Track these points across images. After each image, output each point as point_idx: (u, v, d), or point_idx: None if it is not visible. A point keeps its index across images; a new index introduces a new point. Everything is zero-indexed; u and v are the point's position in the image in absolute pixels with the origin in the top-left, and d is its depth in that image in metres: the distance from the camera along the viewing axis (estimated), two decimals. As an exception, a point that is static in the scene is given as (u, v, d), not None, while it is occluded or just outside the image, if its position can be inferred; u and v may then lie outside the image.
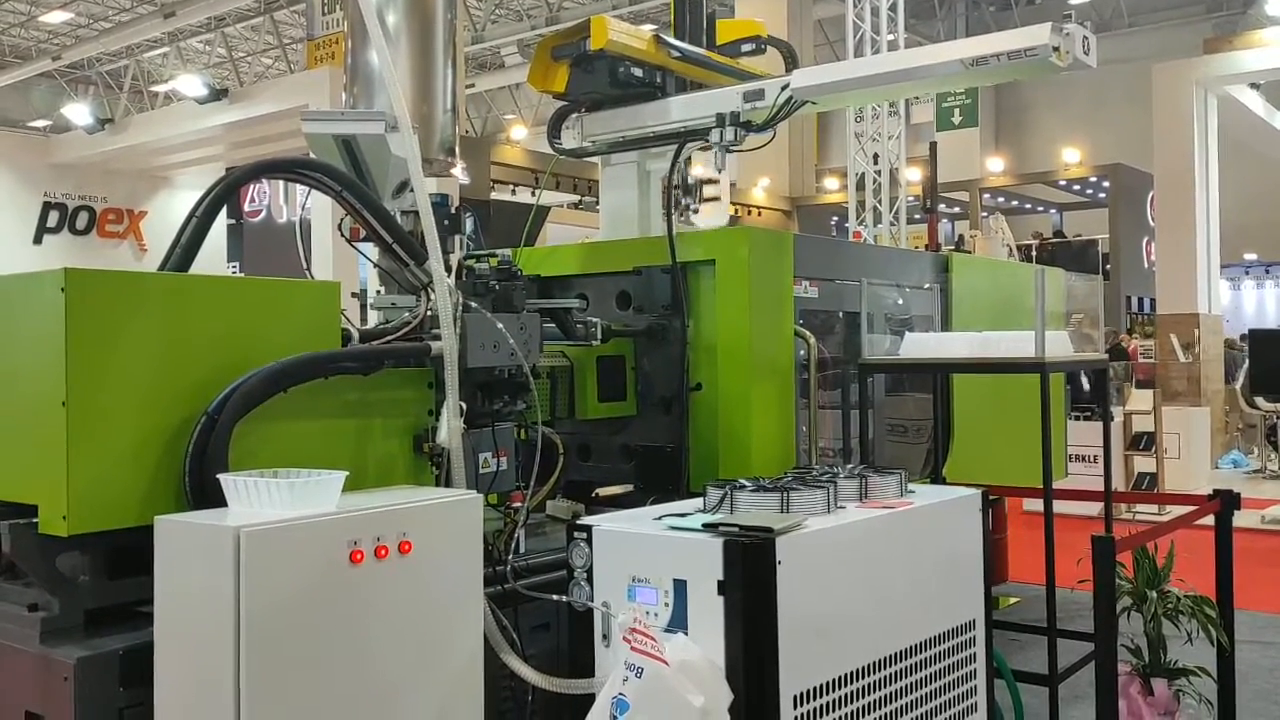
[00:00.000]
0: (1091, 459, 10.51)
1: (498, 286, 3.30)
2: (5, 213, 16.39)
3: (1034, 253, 24.21)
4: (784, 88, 4.01)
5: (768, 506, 3.13)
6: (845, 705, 2.99)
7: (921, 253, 7.07)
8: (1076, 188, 25.68)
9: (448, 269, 3.35)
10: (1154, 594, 4.01)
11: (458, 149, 3.85)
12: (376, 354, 3.06)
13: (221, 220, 14.31)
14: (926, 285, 5.08)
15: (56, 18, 24.27)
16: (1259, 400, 12.56)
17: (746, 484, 3.28)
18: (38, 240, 16.31)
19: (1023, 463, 6.14)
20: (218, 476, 2.52)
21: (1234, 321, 23.93)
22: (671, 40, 4.75)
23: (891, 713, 3.18)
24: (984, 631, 3.67)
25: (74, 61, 24.54)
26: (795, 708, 2.81)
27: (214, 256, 13.06)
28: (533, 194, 20.24)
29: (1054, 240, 24.60)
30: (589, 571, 3.02)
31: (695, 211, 4.85)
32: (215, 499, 2.53)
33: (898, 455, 5.35)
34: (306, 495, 2.44)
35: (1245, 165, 20.38)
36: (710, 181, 5.06)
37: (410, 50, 3.61)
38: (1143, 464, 10.13)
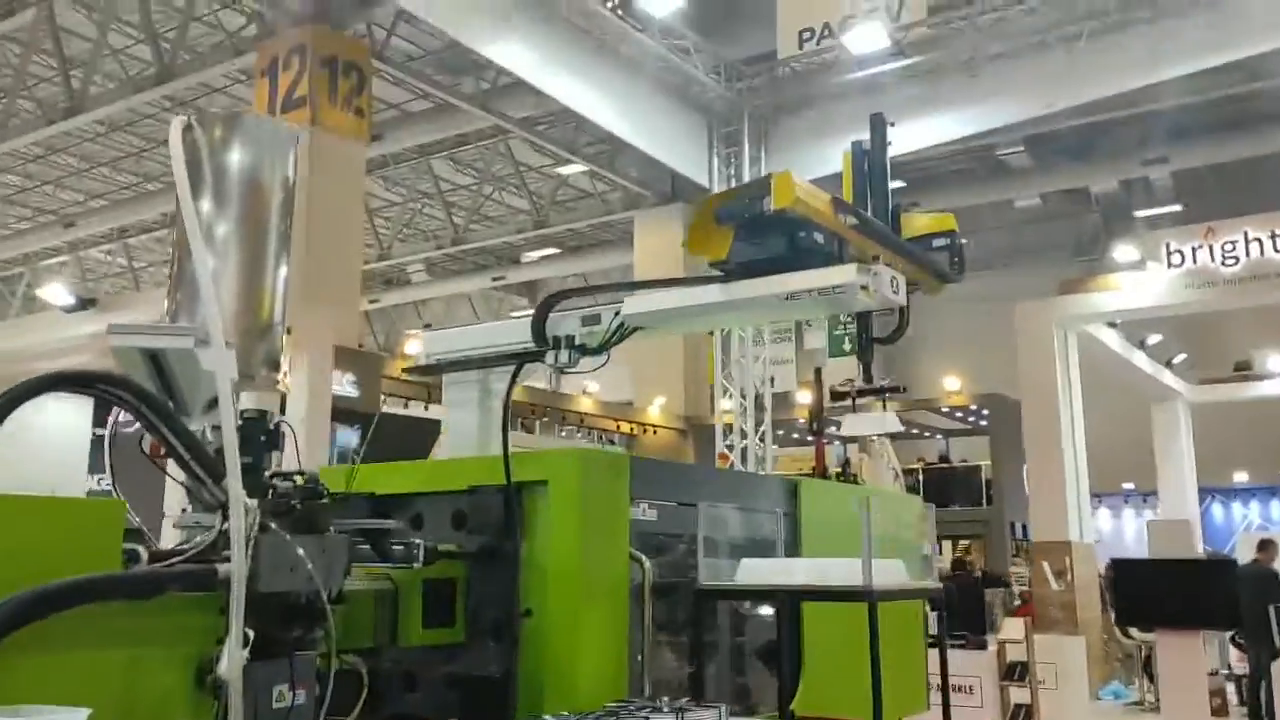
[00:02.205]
0: (968, 689, 10.43)
1: (299, 506, 3.19)
2: None
3: (920, 477, 24.81)
4: (616, 314, 4.10)
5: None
6: None
7: (768, 477, 7.15)
8: (959, 415, 26.64)
9: (260, 487, 3.24)
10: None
11: (286, 362, 3.81)
12: (155, 577, 2.89)
13: (83, 431, 13.91)
14: (774, 510, 5.08)
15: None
16: (1133, 631, 12.71)
17: (556, 722, 3.13)
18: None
19: (885, 695, 6.04)
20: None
21: (1116, 550, 24.52)
22: (854, 208, 4.20)
23: None
24: None
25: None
26: None
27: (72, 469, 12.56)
28: (425, 408, 20.23)
29: (938, 465, 25.29)
30: (370, 820, 2.80)
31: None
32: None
33: (759, 685, 5.21)
34: (36, 735, 2.23)
35: (1113, 399, 21.47)
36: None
37: (240, 262, 3.58)
38: (1018, 694, 10.05)
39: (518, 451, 4.38)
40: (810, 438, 21.69)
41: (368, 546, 3.81)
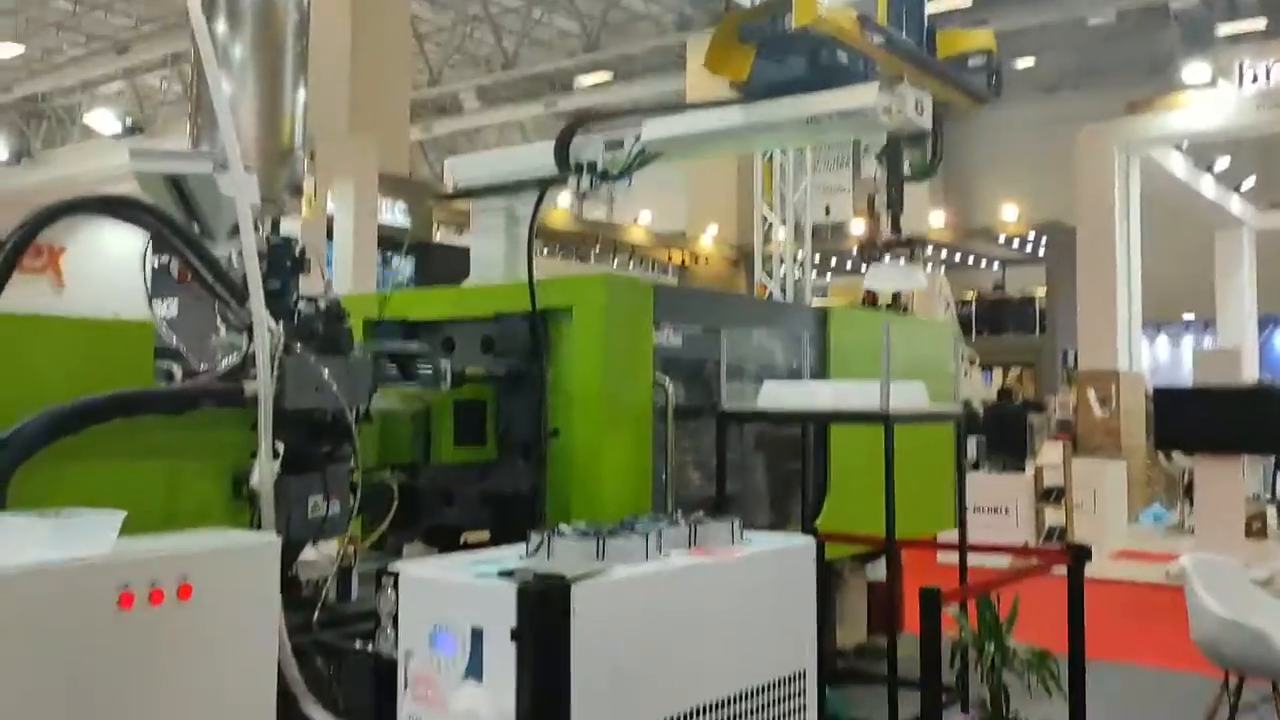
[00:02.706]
0: (1004, 510, 10.63)
1: (323, 329, 3.30)
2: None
3: (974, 307, 24.62)
4: (637, 138, 4.07)
5: (583, 553, 3.13)
6: (650, 756, 2.98)
7: (797, 305, 7.16)
8: (1016, 244, 26.19)
9: (286, 311, 3.34)
10: (991, 646, 4.04)
11: (310, 186, 3.86)
12: (187, 394, 3.04)
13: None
14: (800, 337, 5.13)
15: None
16: (1176, 456, 12.75)
17: (566, 531, 3.28)
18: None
19: (910, 514, 6.21)
20: (-17, 516, 2.48)
21: (1174, 379, 24.27)
22: (880, 25, 3.93)
23: (706, 764, 3.17)
24: (815, 682, 3.68)
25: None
26: (589, 757, 2.80)
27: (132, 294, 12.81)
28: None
29: (992, 296, 25.06)
30: (395, 619, 3.00)
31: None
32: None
33: (783, 505, 5.39)
34: (73, 535, 2.40)
35: (1177, 226, 20.89)
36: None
37: (257, 84, 3.57)
38: (1054, 517, 10.24)
39: (544, 279, 4.44)
40: (864, 266, 21.55)
41: (396, 369, 3.92)
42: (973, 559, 5.12)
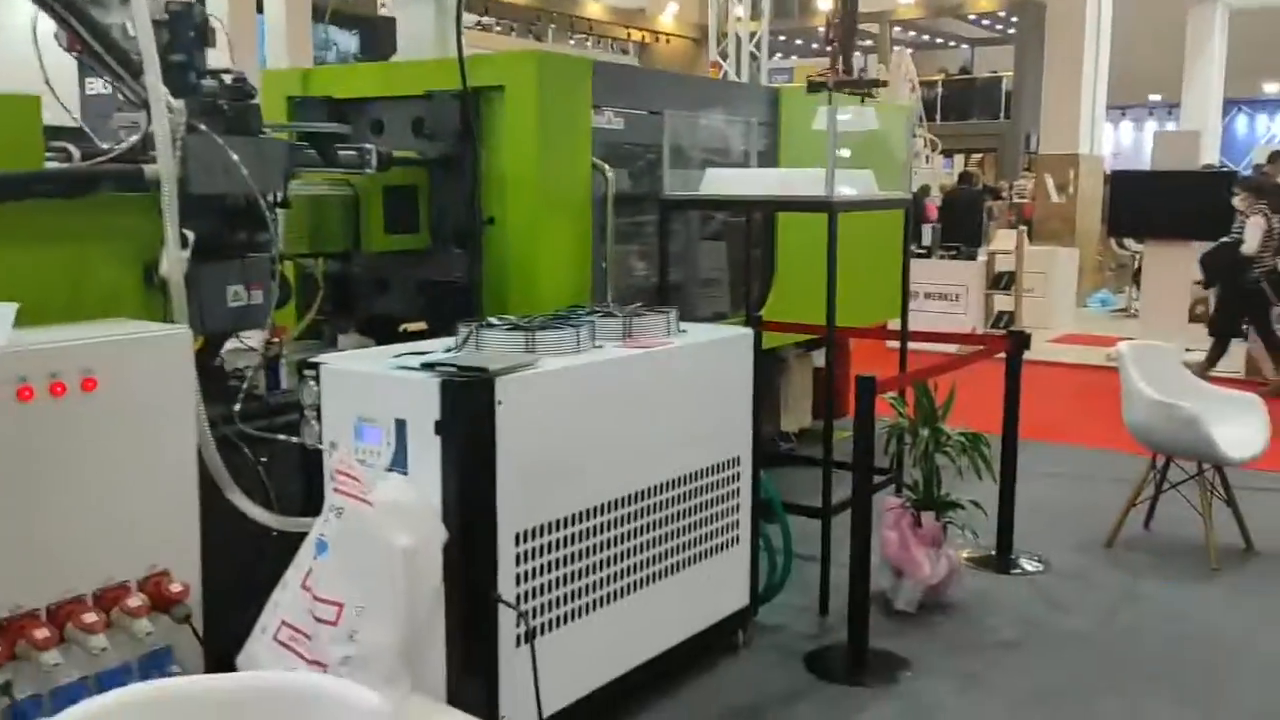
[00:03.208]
0: (954, 297, 10.71)
1: (228, 107, 3.07)
2: None
3: (940, 89, 24.06)
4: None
5: (512, 345, 3.06)
6: (581, 540, 3.01)
7: (747, 86, 6.87)
8: (987, 23, 25.37)
9: (188, 87, 3.10)
10: (925, 431, 4.09)
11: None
12: (81, 176, 2.85)
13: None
14: (750, 121, 4.92)
15: None
16: (1128, 241, 12.81)
17: (495, 322, 3.20)
18: None
19: (858, 302, 6.18)
20: None
21: (1135, 163, 24.15)
22: None
23: (639, 545, 3.22)
24: (750, 467, 3.72)
25: None
26: (517, 545, 2.81)
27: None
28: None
29: (958, 77, 24.43)
30: (318, 410, 2.94)
31: None
32: None
33: (728, 295, 5.32)
34: (-40, 329, 2.28)
35: (1152, 3, 20.26)
36: None
37: None
38: (1004, 303, 10.33)
39: (475, 55, 4.18)
40: (829, 47, 20.83)
41: (315, 153, 3.71)
42: (920, 347, 5.13)
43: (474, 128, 4.05)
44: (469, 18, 21.97)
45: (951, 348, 6.97)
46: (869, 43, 25.84)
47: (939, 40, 28.17)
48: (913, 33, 26.54)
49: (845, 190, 4.04)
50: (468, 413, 2.69)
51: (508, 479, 2.75)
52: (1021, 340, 4.57)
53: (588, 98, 4.17)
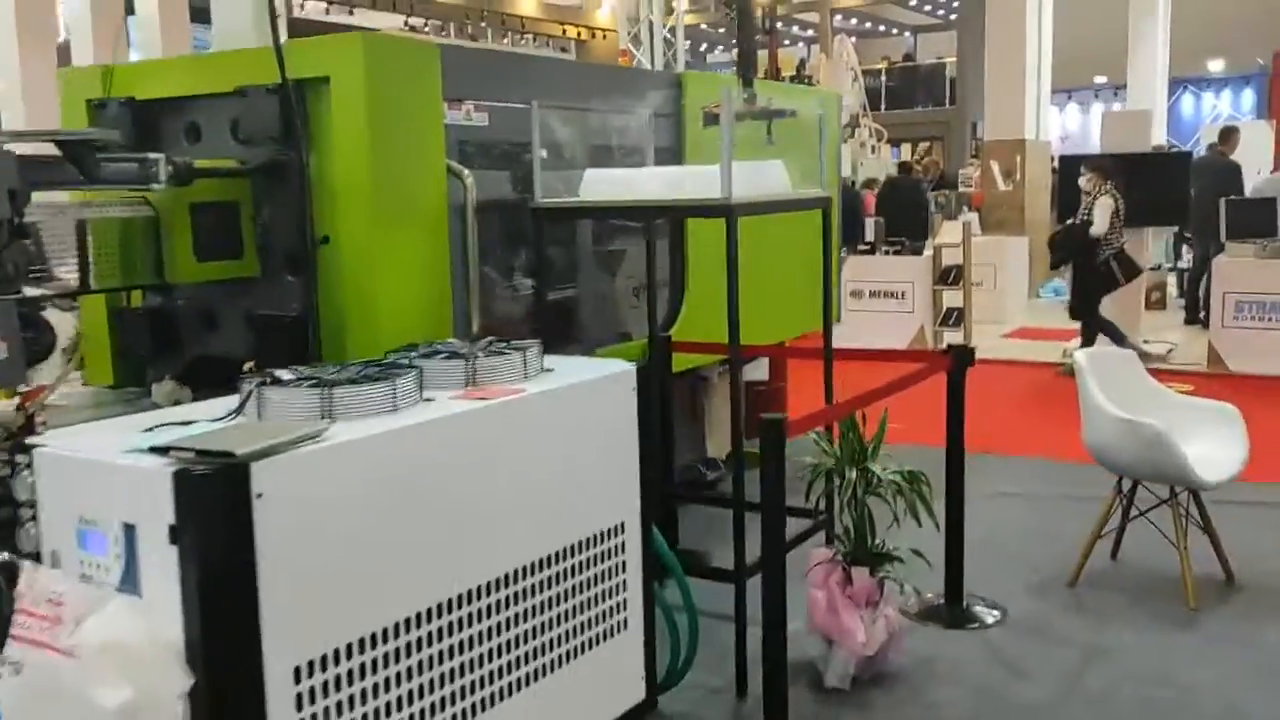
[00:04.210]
0: (900, 295, 10.11)
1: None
2: None
3: (883, 77, 23.57)
4: None
5: (303, 408, 2.36)
6: (397, 662, 2.32)
7: (641, 71, 6.20)
8: (928, 8, 24.92)
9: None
10: (853, 473, 3.44)
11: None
12: None
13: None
14: (644, 112, 4.24)
15: None
16: (1080, 228, 12.27)
17: (286, 376, 2.50)
18: None
19: (783, 313, 5.53)
20: None
21: (1083, 147, 23.81)
22: None
23: (485, 653, 2.54)
24: (640, 531, 3.04)
25: None
26: (298, 682, 2.12)
27: None
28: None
29: (901, 65, 23.93)
30: (34, 508, 2.23)
31: None
32: None
33: (625, 314, 4.64)
34: None
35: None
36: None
37: None
38: (953, 298, 9.74)
39: (295, 41, 3.48)
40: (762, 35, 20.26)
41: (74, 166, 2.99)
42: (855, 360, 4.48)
43: (297, 128, 3.35)
44: (395, 19, 21.11)
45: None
46: (810, 33, 25.36)
47: (881, 28, 27.70)
48: (854, 20, 26.05)
49: (747, 189, 3.37)
50: (212, 513, 2.00)
51: (277, 597, 2.06)
52: (964, 357, 3.93)
53: (436, 89, 3.47)
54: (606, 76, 4.73)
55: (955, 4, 23.33)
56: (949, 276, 9.60)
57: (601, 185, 3.60)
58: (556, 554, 2.73)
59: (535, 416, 2.70)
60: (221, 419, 2.36)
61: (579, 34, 25.21)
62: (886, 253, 10.24)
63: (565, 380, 2.84)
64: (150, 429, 2.30)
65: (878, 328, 9.50)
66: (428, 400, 2.57)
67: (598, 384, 2.92)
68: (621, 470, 2.99)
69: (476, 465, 2.52)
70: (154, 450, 2.04)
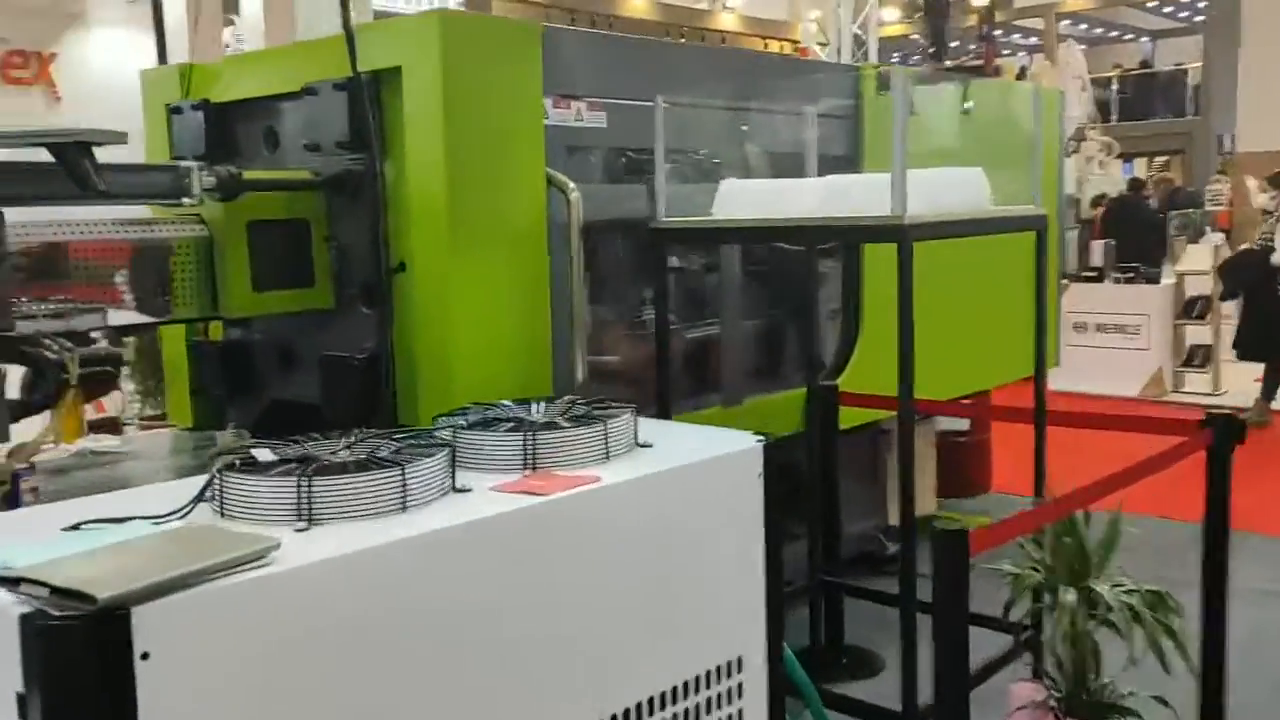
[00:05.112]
0: (1133, 330, 8.79)
1: None
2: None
3: (1114, 85, 21.63)
4: None
5: (269, 504, 1.70)
6: None
7: (805, 62, 5.32)
8: (1169, 10, 22.72)
9: None
10: (1070, 595, 2.51)
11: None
12: None
13: None
14: (810, 109, 3.43)
15: None
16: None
17: (265, 458, 1.86)
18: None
19: (983, 355, 4.60)
20: None
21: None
22: None
23: None
24: (765, 670, 2.25)
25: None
26: None
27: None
28: None
29: (1136, 72, 21.86)
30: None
31: None
32: None
33: (775, 360, 3.84)
34: None
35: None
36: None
37: None
38: (1196, 335, 8.38)
39: (370, 23, 2.89)
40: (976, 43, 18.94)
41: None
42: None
43: (368, 132, 2.75)
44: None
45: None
46: (1034, 40, 23.71)
47: (1113, 33, 25.55)
48: (1083, 26, 24.09)
49: (928, 203, 2.53)
50: (76, 680, 1.35)
51: (173, 802, 1.39)
52: (1232, 431, 2.92)
53: (536, 82, 2.80)
54: (760, 68, 3.95)
55: (1201, 5, 21.14)
56: (1194, 309, 8.24)
57: (740, 199, 2.83)
58: (635, 711, 1.97)
59: (611, 517, 1.96)
60: (164, 518, 1.73)
61: (781, 48, 24.38)
62: (1116, 280, 8.94)
63: (661, 463, 2.09)
64: (75, 526, 1.70)
65: (1104, 368, 8.24)
66: (461, 492, 1.88)
67: (708, 468, 2.15)
68: (739, 586, 2.20)
69: (515, 594, 1.79)
70: (5, 582, 1.41)
